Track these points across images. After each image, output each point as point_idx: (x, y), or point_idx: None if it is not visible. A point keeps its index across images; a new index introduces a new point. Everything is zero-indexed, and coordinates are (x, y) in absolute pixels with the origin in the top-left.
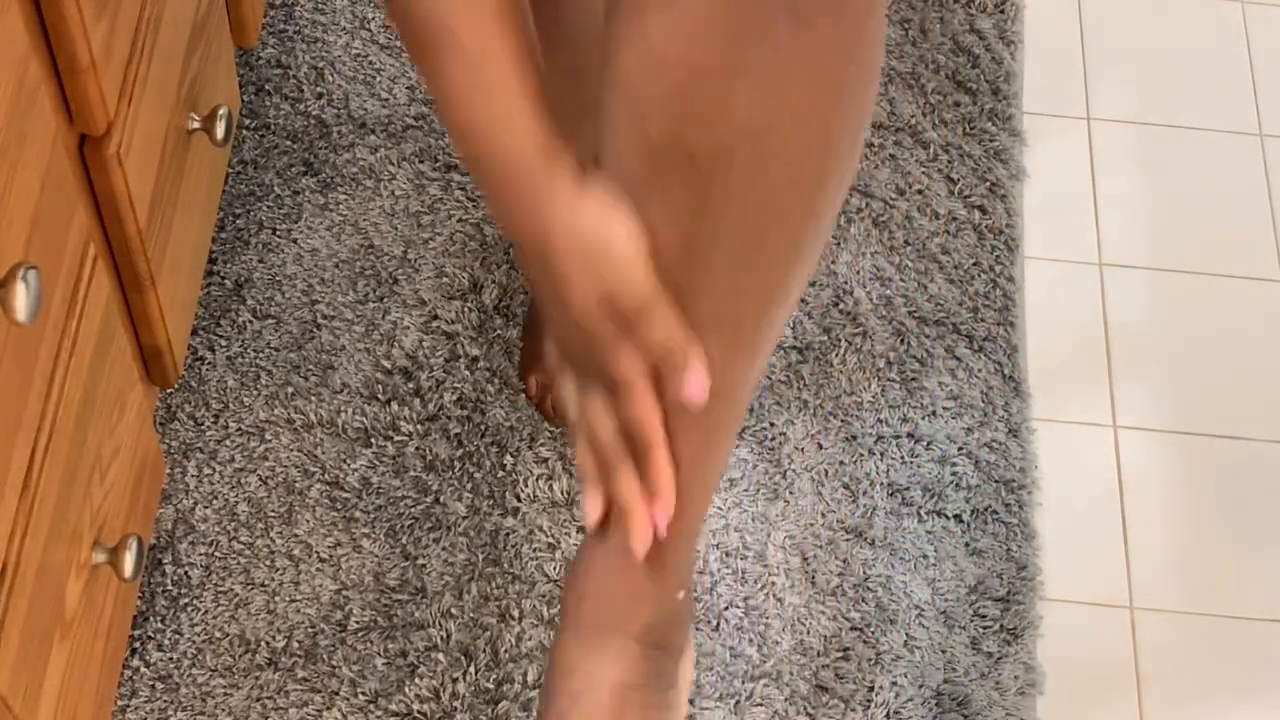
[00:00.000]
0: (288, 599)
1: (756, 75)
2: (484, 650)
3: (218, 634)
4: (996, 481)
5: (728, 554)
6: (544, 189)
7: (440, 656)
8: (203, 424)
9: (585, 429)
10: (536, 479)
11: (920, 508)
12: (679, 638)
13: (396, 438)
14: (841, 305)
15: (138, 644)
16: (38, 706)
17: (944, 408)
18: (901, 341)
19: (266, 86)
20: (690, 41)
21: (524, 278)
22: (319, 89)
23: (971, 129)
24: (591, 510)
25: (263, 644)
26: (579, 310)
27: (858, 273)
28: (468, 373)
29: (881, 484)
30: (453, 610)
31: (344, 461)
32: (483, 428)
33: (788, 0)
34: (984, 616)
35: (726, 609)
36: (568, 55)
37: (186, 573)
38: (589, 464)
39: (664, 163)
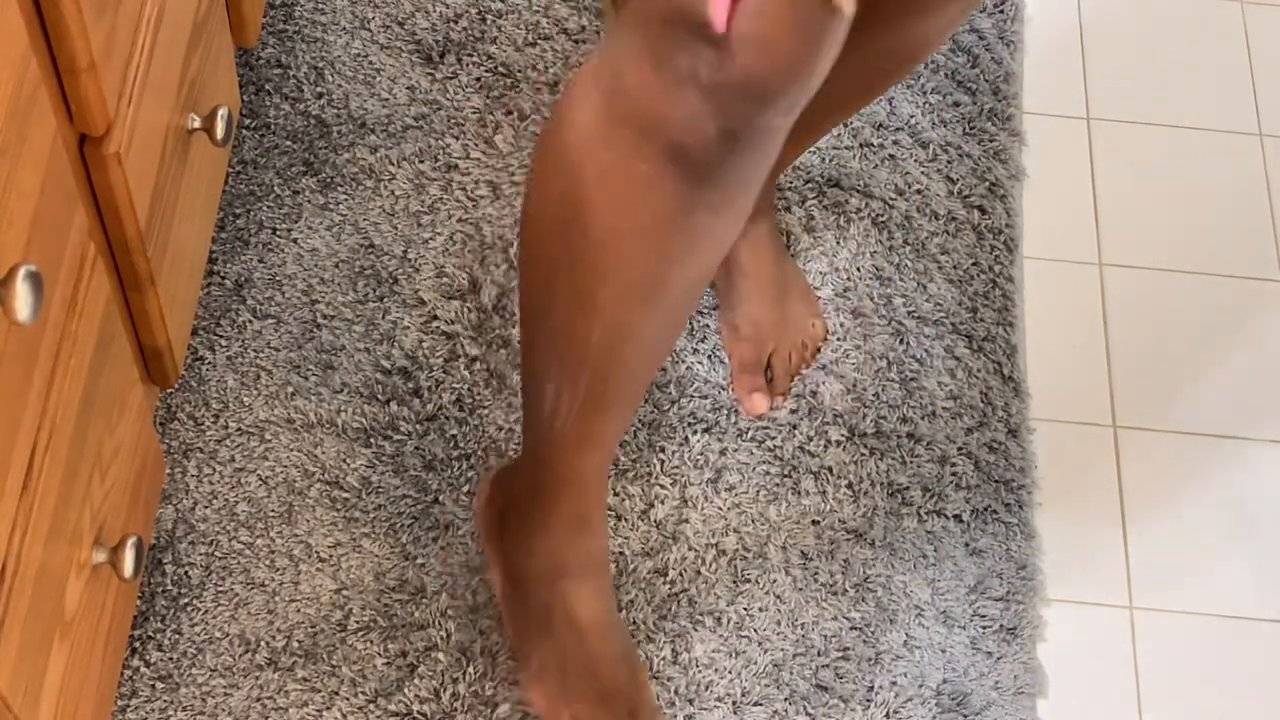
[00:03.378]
0: (288, 599)
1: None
2: (484, 651)
3: (218, 634)
4: (996, 481)
5: (728, 554)
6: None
7: (440, 656)
8: (203, 424)
9: None
10: None
11: (920, 508)
12: None
13: (396, 437)
14: (841, 304)
15: (138, 644)
16: (38, 706)
17: (944, 408)
18: (901, 341)
19: (266, 86)
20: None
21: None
22: (319, 89)
23: (971, 129)
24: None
25: (263, 644)
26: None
27: (857, 271)
28: (467, 373)
29: (881, 484)
30: (452, 610)
31: (344, 461)
32: (481, 428)
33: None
34: (984, 616)
35: (727, 609)
36: None
37: (186, 573)
38: None
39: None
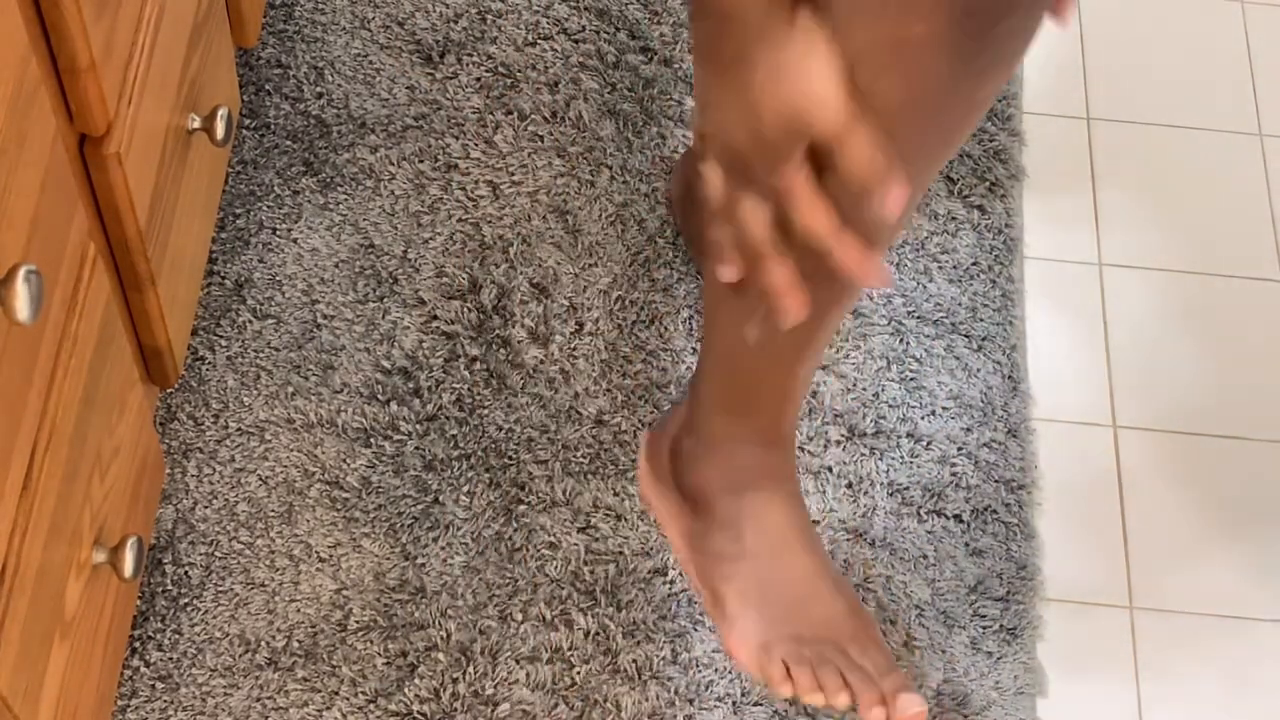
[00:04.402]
0: (288, 599)
1: None
2: (484, 651)
3: (218, 634)
4: (996, 481)
5: None
6: (759, 22)
7: (440, 656)
8: (203, 424)
9: (732, 220)
10: (535, 479)
11: (920, 508)
12: None
13: (396, 437)
14: None
15: (138, 644)
16: (38, 706)
17: (944, 407)
18: (901, 341)
19: (266, 86)
20: None
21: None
22: (319, 89)
23: None
24: (729, 273)
25: (263, 644)
26: (767, 124)
27: None
28: (467, 373)
29: (881, 484)
30: (452, 610)
31: (344, 461)
32: (481, 428)
33: None
34: (984, 616)
35: None
36: None
37: (186, 573)
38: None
39: None
